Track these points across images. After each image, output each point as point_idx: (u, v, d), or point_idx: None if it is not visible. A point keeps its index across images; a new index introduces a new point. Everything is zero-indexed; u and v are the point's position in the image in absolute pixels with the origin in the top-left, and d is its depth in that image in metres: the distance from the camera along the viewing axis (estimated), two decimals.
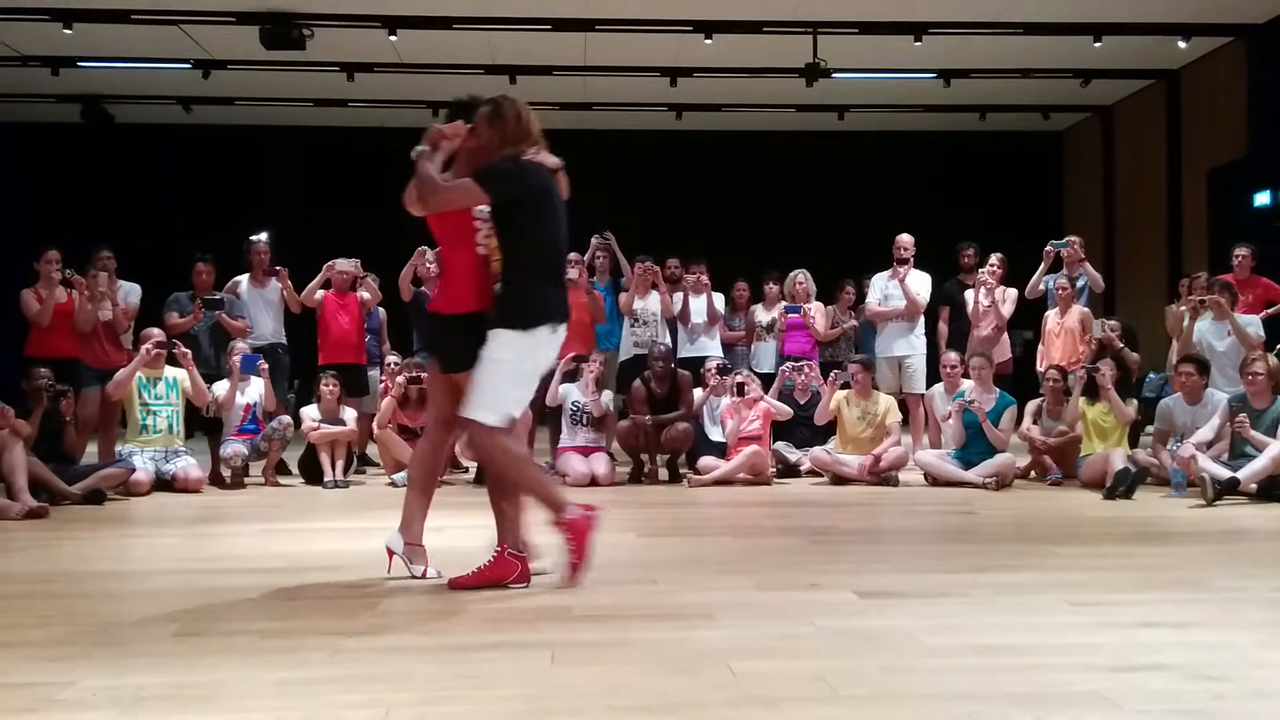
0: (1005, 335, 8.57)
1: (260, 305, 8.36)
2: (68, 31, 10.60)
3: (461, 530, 4.92)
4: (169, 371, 7.39)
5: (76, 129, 13.47)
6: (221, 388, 7.64)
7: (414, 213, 3.94)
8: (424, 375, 7.59)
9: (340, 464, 7.58)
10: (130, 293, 8.06)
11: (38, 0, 10.15)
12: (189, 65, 11.90)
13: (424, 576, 3.98)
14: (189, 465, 7.26)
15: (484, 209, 3.89)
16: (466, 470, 7.99)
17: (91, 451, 7.62)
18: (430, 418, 4.20)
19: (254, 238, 8.44)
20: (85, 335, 7.54)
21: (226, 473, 7.55)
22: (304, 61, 11.34)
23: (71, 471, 6.61)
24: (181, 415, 7.44)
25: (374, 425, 7.83)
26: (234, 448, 7.52)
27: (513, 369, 3.84)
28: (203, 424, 7.79)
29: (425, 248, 8.19)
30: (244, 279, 8.44)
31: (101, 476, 6.69)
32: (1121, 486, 6.53)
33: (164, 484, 7.14)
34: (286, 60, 11.25)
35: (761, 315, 8.90)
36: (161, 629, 3.30)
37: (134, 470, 6.92)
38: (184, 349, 7.40)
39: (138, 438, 7.28)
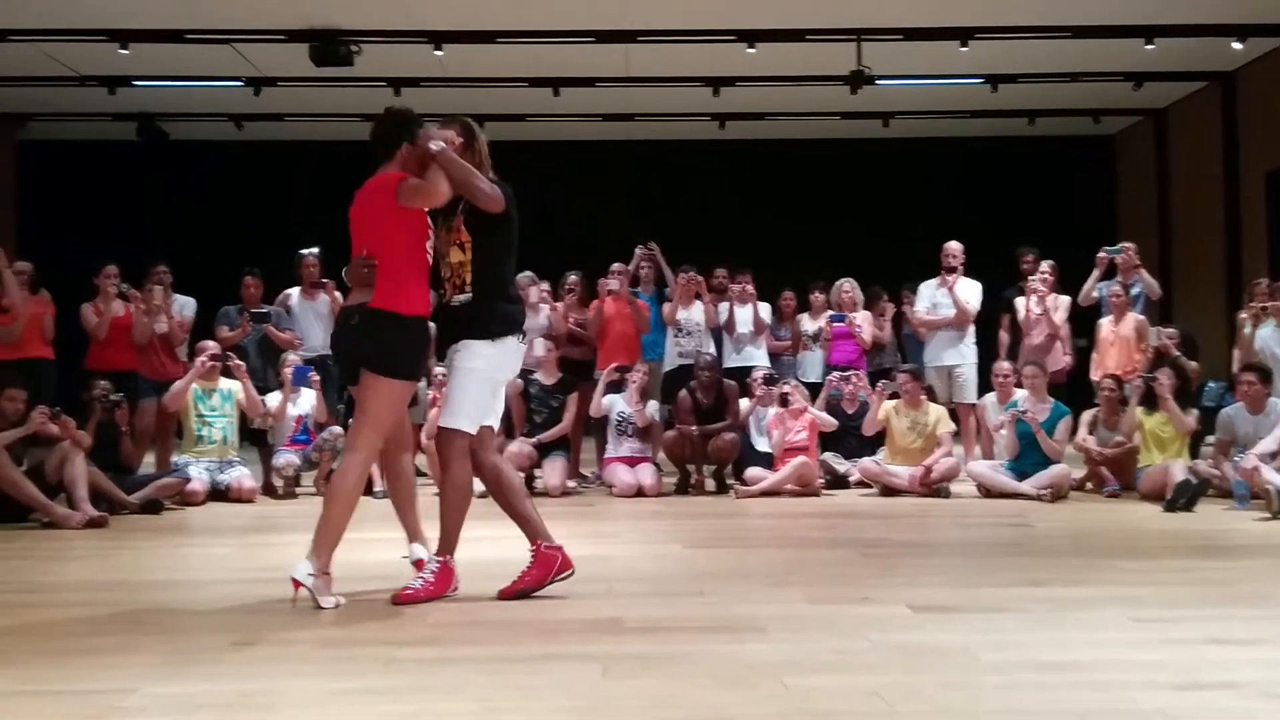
0: (1059, 344, 8.45)
1: (310, 318, 8.45)
2: (124, 52, 10.81)
3: (512, 541, 4.92)
4: (223, 383, 7.50)
5: (132, 146, 13.71)
6: (274, 399, 7.73)
7: (429, 201, 3.92)
8: None
9: None
10: (185, 306, 8.19)
11: (95, 21, 10.36)
12: (240, 83, 12.07)
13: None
14: (243, 475, 7.36)
15: (449, 219, 3.98)
16: None
17: (148, 462, 7.76)
18: (366, 432, 3.97)
19: (304, 251, 8.53)
20: (142, 348, 7.69)
21: (279, 482, 7.64)
22: (352, 77, 11.47)
23: (129, 481, 6.73)
24: (236, 426, 7.55)
25: (422, 436, 7.88)
26: (286, 458, 7.61)
27: (486, 378, 3.94)
28: (249, 435, 7.89)
29: None
30: (294, 292, 8.54)
31: (158, 486, 6.80)
32: (1182, 499, 6.40)
33: (218, 494, 7.24)
34: (335, 76, 11.38)
35: (807, 324, 8.85)
36: (219, 638, 3.35)
37: (189, 480, 7.03)
38: (238, 361, 7.51)
39: (193, 448, 7.40)
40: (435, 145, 3.88)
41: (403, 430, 4.28)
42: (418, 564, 4.23)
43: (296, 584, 3.74)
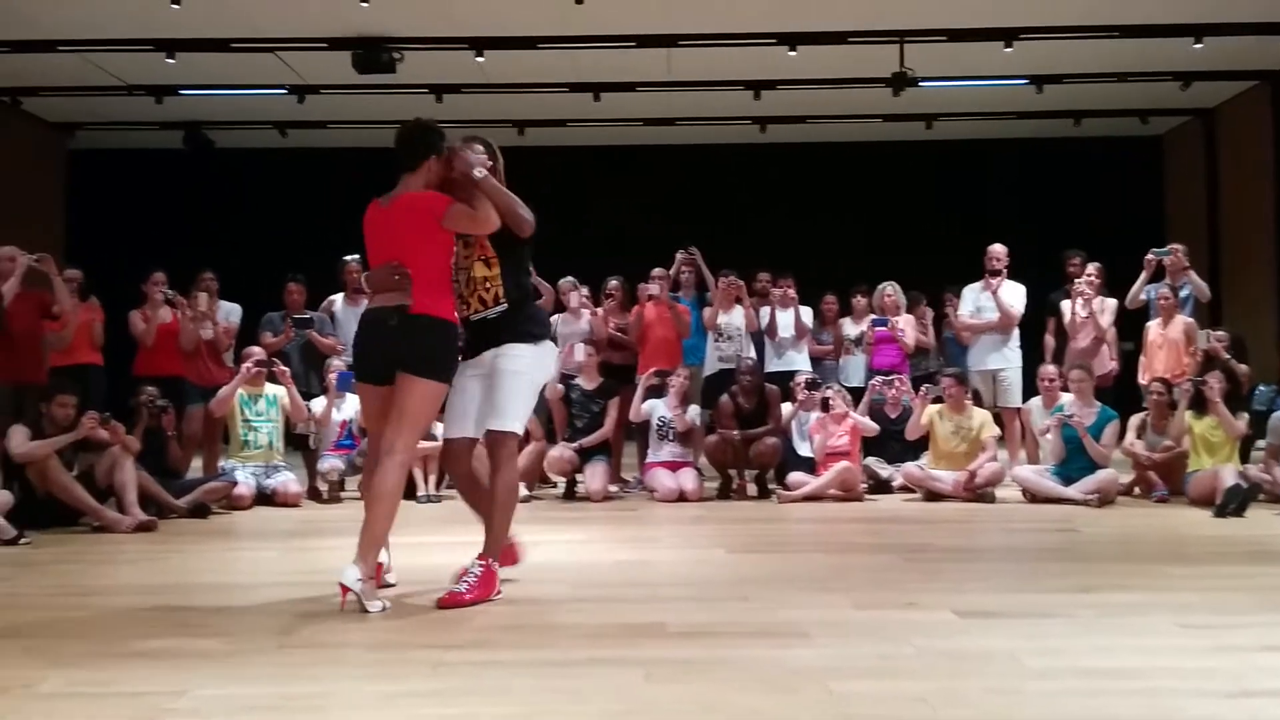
0: (1105, 347, 8.34)
1: (354, 323, 8.44)
2: (171, 61, 11.00)
3: (548, 546, 4.94)
4: (269, 389, 7.58)
5: (178, 155, 13.93)
6: (318, 404, 7.82)
7: (479, 229, 4.01)
8: None
9: (432, 479, 7.69)
10: (231, 312, 8.30)
11: (143, 32, 10.55)
12: (285, 90, 12.23)
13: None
14: (288, 480, 7.44)
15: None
16: (555, 485, 8.04)
17: (195, 466, 7.86)
18: (401, 434, 3.97)
19: (347, 258, 8.62)
20: (189, 354, 7.79)
21: (323, 487, 7.72)
22: (394, 84, 11.58)
23: (176, 486, 6.82)
24: (281, 431, 7.63)
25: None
26: (330, 463, 7.68)
27: (530, 381, 4.10)
28: (293, 440, 7.97)
29: None
30: (338, 298, 8.63)
31: (205, 490, 6.89)
32: (1233, 504, 6.30)
33: (264, 498, 7.33)
34: (377, 83, 11.51)
35: (849, 329, 8.80)
36: (267, 640, 3.39)
37: (235, 483, 7.12)
38: (283, 367, 7.60)
39: (239, 453, 7.49)
40: (479, 173, 3.96)
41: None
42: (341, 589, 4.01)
43: (345, 589, 3.77)
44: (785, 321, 8.46)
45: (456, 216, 3.96)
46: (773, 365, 8.41)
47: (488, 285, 4.06)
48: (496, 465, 4.01)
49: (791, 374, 8.18)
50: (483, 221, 3.96)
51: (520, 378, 4.03)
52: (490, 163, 4.07)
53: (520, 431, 4.08)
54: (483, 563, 3.98)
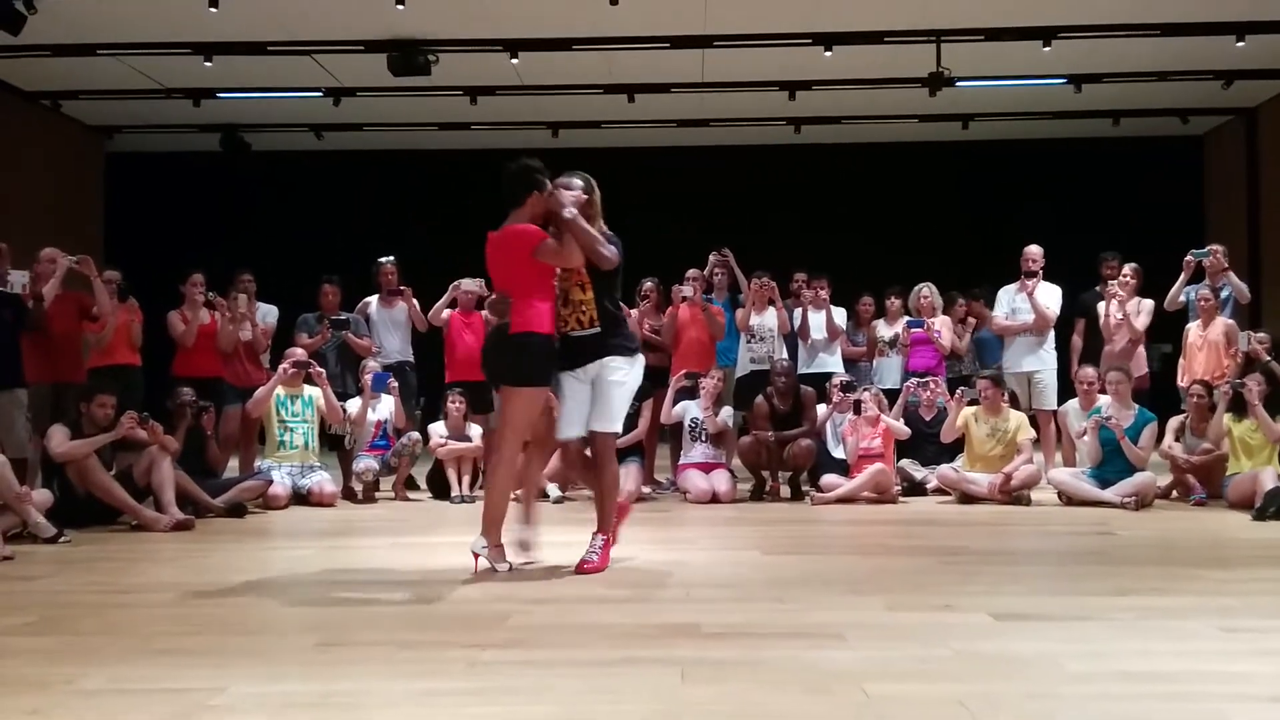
0: (1140, 349, 8.24)
1: (388, 325, 8.58)
2: (208, 64, 11.12)
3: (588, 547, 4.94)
4: (305, 390, 7.64)
5: (215, 157, 14.08)
6: (354, 405, 7.87)
7: (564, 263, 4.57)
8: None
9: (466, 479, 7.73)
10: (268, 314, 8.36)
11: (181, 35, 10.67)
12: (320, 93, 12.33)
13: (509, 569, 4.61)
14: (324, 480, 7.50)
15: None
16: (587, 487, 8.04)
17: (231, 466, 7.94)
18: (508, 440, 4.68)
19: (382, 259, 8.68)
20: (227, 355, 7.86)
21: (358, 487, 7.77)
22: (429, 86, 11.65)
23: (212, 485, 6.89)
24: (316, 432, 7.69)
25: None
26: (365, 463, 7.74)
27: (629, 389, 4.73)
28: (328, 440, 8.03)
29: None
30: (373, 299, 8.68)
31: (241, 489, 6.96)
32: (1273, 507, 6.21)
33: (300, 498, 7.39)
34: (412, 86, 11.58)
35: (884, 330, 8.75)
36: (305, 639, 3.41)
37: (271, 481, 7.18)
38: (319, 368, 7.66)
39: (275, 453, 7.55)
40: (569, 213, 4.47)
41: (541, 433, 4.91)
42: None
43: (476, 555, 4.53)
44: (817, 323, 8.43)
45: (545, 251, 4.51)
46: (805, 367, 8.38)
47: (583, 308, 4.62)
48: (602, 460, 4.70)
49: (824, 376, 8.15)
50: (567, 257, 4.52)
51: (621, 388, 4.67)
52: (583, 198, 4.59)
53: (620, 432, 4.83)
54: (602, 537, 4.68)
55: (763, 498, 7.65)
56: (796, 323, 8.45)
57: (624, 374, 4.66)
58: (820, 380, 8.08)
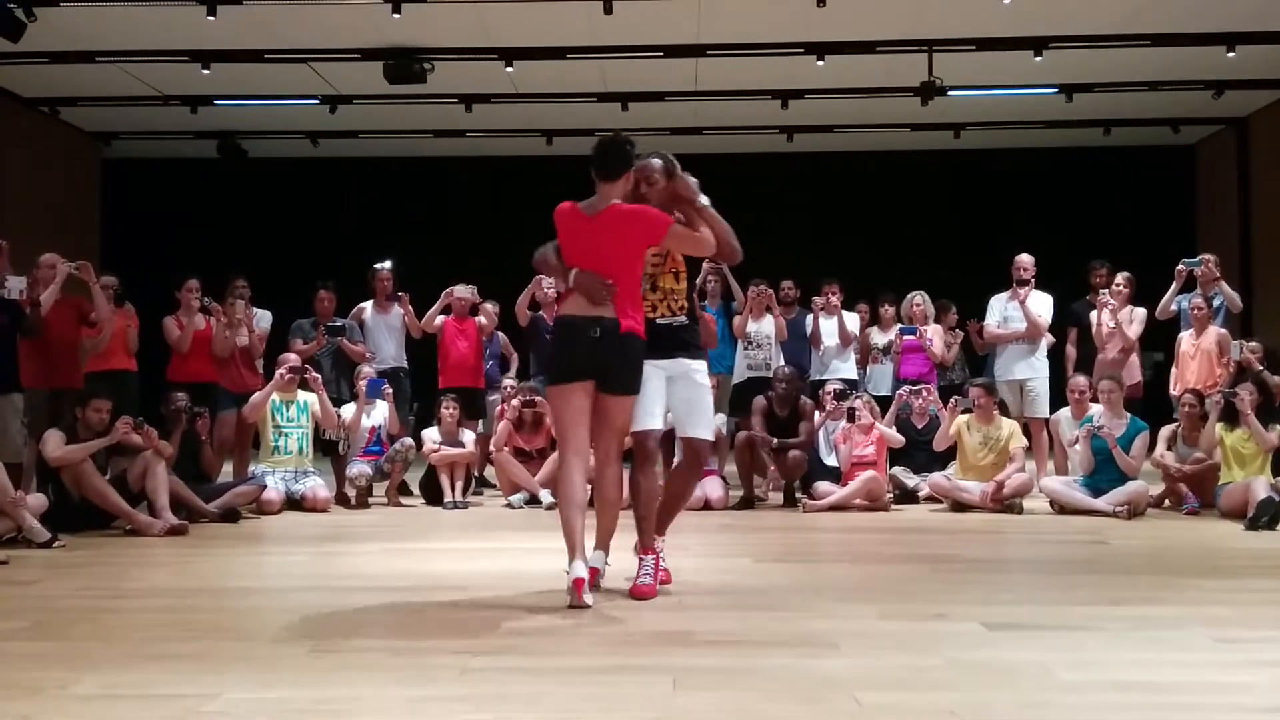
0: (1133, 358, 8.27)
1: (383, 331, 8.59)
2: (206, 72, 11.14)
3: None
4: (300, 395, 7.65)
5: (212, 164, 14.09)
6: (348, 411, 7.87)
7: (697, 251, 4.30)
8: (539, 399, 7.74)
9: (460, 485, 7.72)
10: (262, 319, 8.34)
11: (178, 43, 10.68)
12: (317, 101, 12.35)
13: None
14: (317, 485, 7.49)
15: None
16: None
17: (226, 471, 7.93)
18: (610, 442, 4.28)
19: (377, 266, 8.68)
20: (223, 360, 7.85)
21: (352, 493, 7.76)
22: (424, 94, 11.67)
23: (207, 490, 6.89)
24: (311, 437, 7.70)
25: (492, 447, 7.98)
26: (359, 468, 7.73)
27: (710, 391, 4.50)
28: (322, 445, 8.03)
29: (542, 275, 8.34)
30: (368, 305, 8.68)
31: (235, 494, 6.95)
32: (1265, 517, 6.23)
33: (293, 503, 7.39)
34: (408, 94, 11.60)
35: (877, 338, 8.78)
36: (298, 645, 3.41)
37: (265, 487, 7.18)
38: (314, 374, 7.66)
39: (270, 458, 7.55)
40: (705, 199, 4.21)
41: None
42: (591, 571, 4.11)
43: (595, 571, 4.10)
44: (829, 329, 8.43)
45: (679, 237, 4.19)
46: (818, 374, 8.38)
47: (675, 296, 4.35)
48: (694, 467, 4.49)
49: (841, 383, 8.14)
50: (703, 245, 4.22)
51: (709, 391, 4.45)
52: (694, 182, 4.27)
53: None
54: (661, 540, 4.42)
55: (753, 505, 7.64)
56: (808, 329, 8.44)
57: (705, 376, 4.41)
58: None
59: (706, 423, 4.41)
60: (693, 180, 4.25)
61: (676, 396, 4.36)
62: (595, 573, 4.12)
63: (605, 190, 4.17)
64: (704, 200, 4.20)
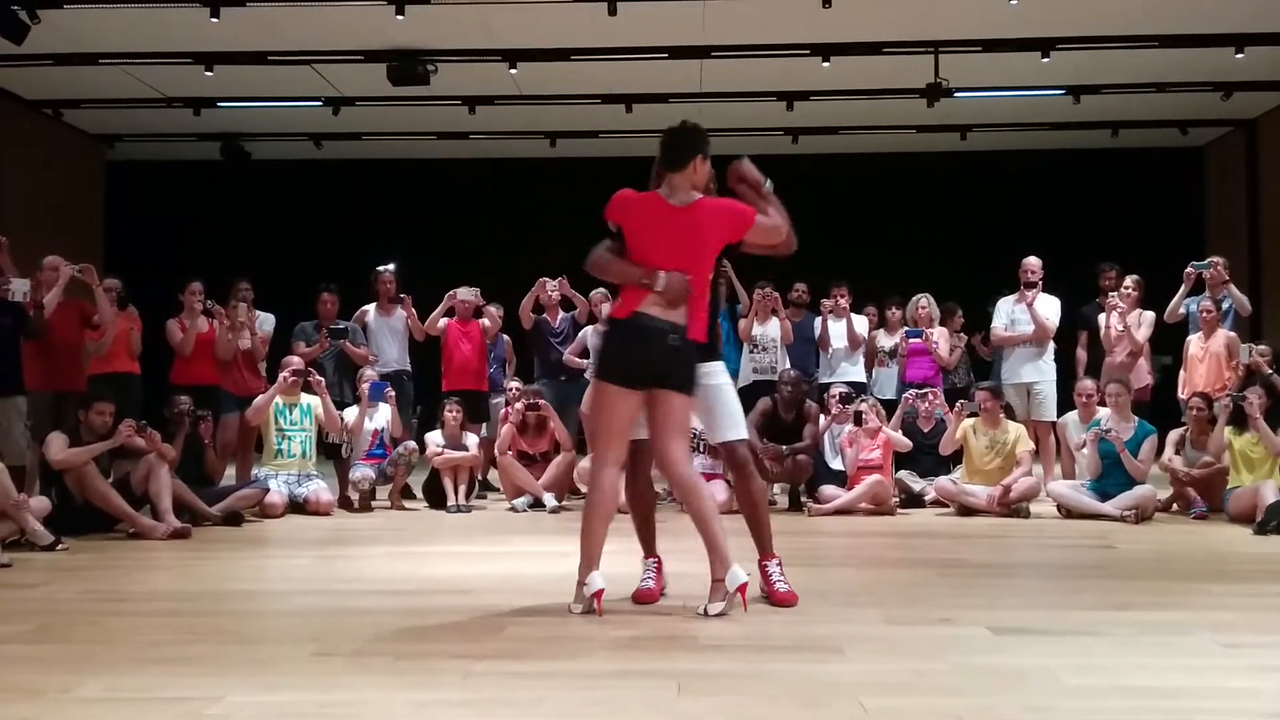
0: (1142, 361, 8.23)
1: (386, 334, 8.57)
2: (209, 74, 11.15)
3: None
4: (303, 398, 7.64)
5: (215, 166, 14.11)
6: (351, 414, 7.86)
7: (774, 241, 4.09)
8: (542, 403, 7.73)
9: (463, 489, 7.70)
10: (265, 322, 8.34)
11: (181, 45, 10.70)
12: (320, 103, 12.36)
13: None
14: (320, 489, 7.48)
15: None
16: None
17: (228, 474, 7.92)
18: (682, 446, 4.02)
19: (380, 268, 8.67)
20: (226, 363, 7.85)
21: (354, 496, 7.75)
22: (428, 96, 11.67)
23: (210, 493, 6.88)
24: (314, 440, 7.68)
25: (495, 450, 7.96)
26: (362, 472, 7.72)
27: (732, 387, 4.24)
28: (325, 449, 8.02)
29: (546, 278, 8.34)
30: (371, 308, 8.67)
31: (238, 497, 6.94)
32: (1274, 521, 6.19)
33: (296, 507, 7.37)
34: (411, 96, 11.60)
35: (883, 340, 8.74)
36: (301, 648, 3.40)
37: (267, 490, 7.17)
38: (318, 377, 7.65)
39: (272, 461, 7.54)
40: (769, 184, 3.99)
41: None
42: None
43: (744, 587, 3.84)
44: (838, 332, 8.40)
45: (763, 229, 3.96)
46: (826, 376, 8.36)
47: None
48: (748, 470, 4.21)
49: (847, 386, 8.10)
50: (776, 233, 3.99)
51: (726, 389, 4.17)
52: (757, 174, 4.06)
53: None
54: (774, 560, 4.25)
55: None
56: (817, 332, 8.41)
57: (717, 376, 4.15)
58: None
59: (735, 422, 4.15)
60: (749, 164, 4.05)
61: (697, 407, 4.15)
62: (744, 587, 3.85)
63: (672, 179, 3.94)
64: (769, 185, 4.01)
